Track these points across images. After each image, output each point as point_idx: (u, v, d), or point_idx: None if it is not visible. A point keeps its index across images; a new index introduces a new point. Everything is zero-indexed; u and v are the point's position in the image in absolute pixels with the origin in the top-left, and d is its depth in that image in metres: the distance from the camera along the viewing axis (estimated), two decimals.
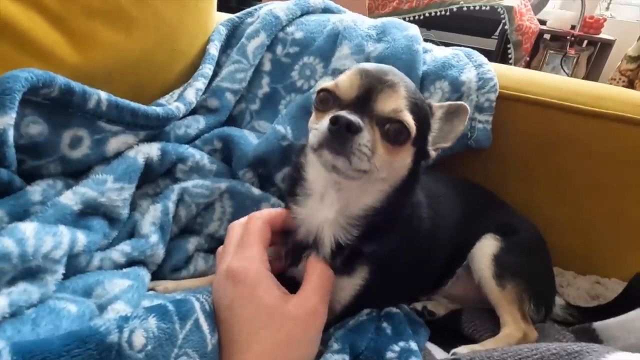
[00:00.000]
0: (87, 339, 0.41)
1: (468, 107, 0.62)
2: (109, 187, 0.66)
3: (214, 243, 0.80)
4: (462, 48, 1.00)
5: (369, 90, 0.53)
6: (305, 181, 0.61)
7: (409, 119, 0.53)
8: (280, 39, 0.99)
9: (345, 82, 0.55)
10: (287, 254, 0.63)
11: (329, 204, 0.58)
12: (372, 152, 0.51)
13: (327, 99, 0.55)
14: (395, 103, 0.53)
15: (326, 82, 0.57)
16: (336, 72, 0.93)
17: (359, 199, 0.58)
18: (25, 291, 0.51)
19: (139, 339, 0.43)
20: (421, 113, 0.57)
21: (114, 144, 0.70)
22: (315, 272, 0.54)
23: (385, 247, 0.62)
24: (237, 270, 0.50)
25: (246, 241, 0.54)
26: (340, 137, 0.49)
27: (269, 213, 0.60)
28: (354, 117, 0.49)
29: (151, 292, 0.66)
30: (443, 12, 2.79)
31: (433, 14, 2.82)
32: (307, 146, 0.59)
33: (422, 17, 2.85)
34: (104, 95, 0.65)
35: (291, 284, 0.54)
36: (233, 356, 0.47)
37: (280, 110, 0.97)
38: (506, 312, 0.70)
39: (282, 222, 0.61)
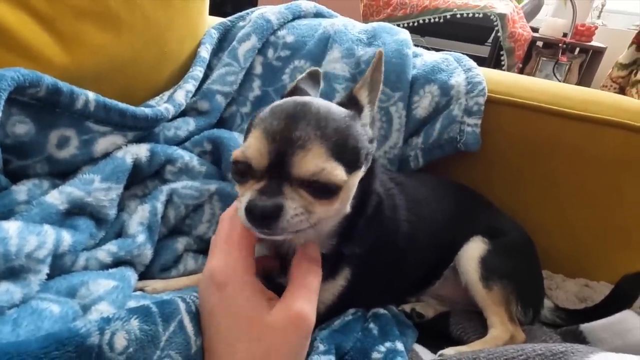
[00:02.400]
0: (66, 341, 0.40)
1: (382, 51, 0.58)
2: (95, 187, 0.66)
3: (203, 244, 0.80)
4: (452, 53, 1.01)
5: (281, 155, 0.47)
6: None
7: (332, 174, 0.47)
8: (271, 43, 1.00)
9: (254, 151, 0.49)
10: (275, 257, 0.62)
11: None
12: (309, 213, 0.47)
13: (243, 169, 0.50)
14: (312, 164, 0.47)
15: (238, 150, 0.51)
16: (327, 76, 0.93)
17: (325, 224, 0.55)
18: (7, 291, 0.50)
19: (120, 341, 0.42)
20: (347, 145, 0.51)
21: (102, 145, 0.70)
22: (299, 273, 0.52)
23: (363, 245, 0.61)
24: (220, 275, 0.48)
25: (231, 240, 0.51)
26: (263, 222, 0.46)
27: None
28: (269, 202, 0.45)
29: (138, 293, 0.66)
30: (437, 19, 2.82)
31: (427, 20, 2.85)
32: None
33: (416, 24, 2.88)
34: (92, 95, 0.65)
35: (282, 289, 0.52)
36: None
37: None
38: (493, 313, 0.71)
39: None
